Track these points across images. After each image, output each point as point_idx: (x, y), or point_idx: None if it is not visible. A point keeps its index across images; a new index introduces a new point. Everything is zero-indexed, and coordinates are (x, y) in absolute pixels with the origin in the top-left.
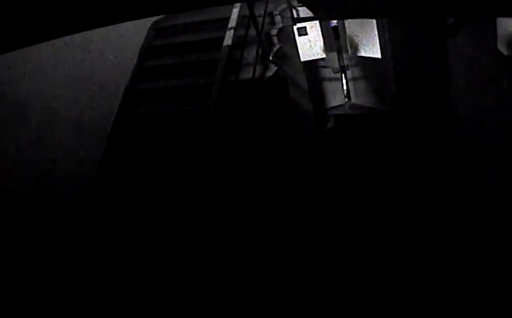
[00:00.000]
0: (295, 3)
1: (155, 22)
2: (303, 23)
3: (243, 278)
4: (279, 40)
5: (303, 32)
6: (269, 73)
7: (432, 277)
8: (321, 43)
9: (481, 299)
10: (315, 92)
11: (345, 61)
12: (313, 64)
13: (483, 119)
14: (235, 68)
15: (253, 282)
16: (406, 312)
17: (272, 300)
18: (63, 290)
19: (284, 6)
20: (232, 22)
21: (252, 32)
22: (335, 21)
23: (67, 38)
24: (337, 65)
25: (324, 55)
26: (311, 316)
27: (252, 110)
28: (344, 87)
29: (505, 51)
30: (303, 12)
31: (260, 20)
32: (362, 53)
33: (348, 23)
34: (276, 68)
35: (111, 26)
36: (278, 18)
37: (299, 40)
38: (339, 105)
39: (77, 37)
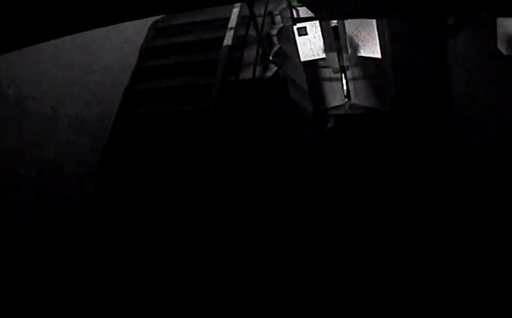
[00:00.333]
0: (295, 3)
1: (155, 22)
2: (303, 23)
3: (243, 278)
4: (279, 40)
5: (303, 32)
6: (269, 73)
7: (433, 277)
8: (321, 43)
9: (480, 299)
10: (315, 92)
11: (345, 61)
12: (313, 64)
13: (483, 119)
14: (235, 68)
15: (253, 282)
16: (406, 312)
17: (271, 300)
18: (63, 290)
19: (284, 6)
20: (232, 22)
21: (252, 32)
22: (335, 21)
23: (67, 38)
24: (337, 65)
25: (324, 55)
26: (311, 316)
27: (252, 110)
28: (344, 87)
29: (505, 51)
30: (303, 12)
31: (260, 20)
32: (362, 54)
33: (348, 23)
34: (276, 68)
35: (111, 26)
36: (278, 18)
37: (299, 40)
38: (339, 105)
39: (77, 37)
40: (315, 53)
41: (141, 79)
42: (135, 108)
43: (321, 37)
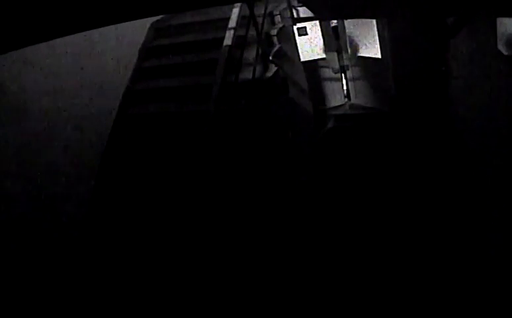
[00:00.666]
0: (295, 3)
1: (155, 22)
2: (303, 23)
3: (243, 278)
4: (279, 40)
5: (303, 32)
6: (269, 73)
7: (433, 277)
8: (321, 43)
9: (480, 300)
10: (315, 92)
11: (345, 61)
12: (313, 64)
13: (483, 119)
14: (235, 68)
15: (253, 282)
16: (406, 312)
17: (271, 300)
18: (63, 290)
19: (284, 6)
20: (232, 22)
21: (252, 32)
22: (335, 21)
23: (67, 38)
24: (337, 65)
25: (324, 55)
26: (311, 316)
27: (252, 110)
28: (344, 87)
29: (504, 51)
30: (303, 12)
31: (260, 20)
32: (362, 54)
33: (348, 23)
34: (276, 68)
35: (111, 26)
36: (278, 18)
37: (299, 40)
38: (339, 105)
39: (77, 37)
40: (315, 54)
41: (141, 79)
42: (135, 108)
43: (321, 37)
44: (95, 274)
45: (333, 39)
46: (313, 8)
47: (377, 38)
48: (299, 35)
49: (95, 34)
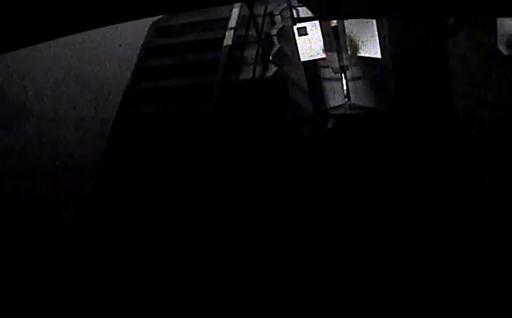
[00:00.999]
0: (295, 3)
1: (155, 22)
2: (303, 23)
3: (243, 278)
4: (279, 40)
5: (303, 32)
6: (269, 73)
7: (433, 277)
8: (321, 43)
9: (480, 300)
10: (315, 92)
11: (345, 61)
12: (313, 64)
13: (483, 119)
14: (235, 68)
15: (253, 282)
16: (406, 312)
17: (271, 300)
18: (63, 290)
19: (284, 6)
20: (232, 22)
21: (252, 32)
22: (335, 21)
23: (67, 38)
24: (337, 65)
25: (324, 55)
26: (310, 316)
27: (252, 110)
28: (344, 87)
29: (505, 51)
30: (303, 12)
31: (260, 20)
32: (362, 54)
33: (348, 23)
34: (276, 68)
35: (111, 26)
36: (278, 18)
37: (299, 40)
38: (339, 105)
39: (77, 37)
40: (315, 54)
41: (141, 79)
42: (135, 108)
43: (321, 37)
44: (96, 273)
45: (333, 39)
46: (313, 8)
47: (377, 38)
48: (299, 35)
49: (95, 34)
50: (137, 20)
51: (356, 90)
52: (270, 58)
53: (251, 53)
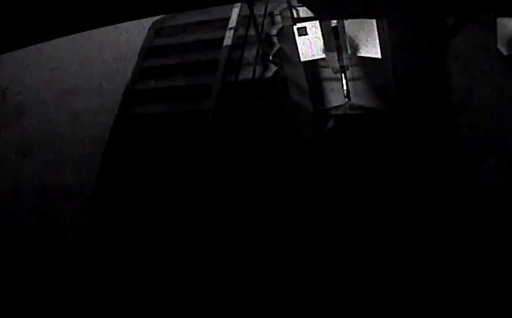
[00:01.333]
0: (295, 3)
1: (155, 22)
2: (303, 23)
3: (243, 279)
4: (279, 40)
5: (303, 32)
6: (269, 73)
7: (432, 277)
8: (321, 43)
9: (480, 300)
10: (315, 92)
11: (345, 61)
12: (313, 64)
13: (484, 118)
14: (235, 68)
15: (253, 282)
16: (406, 312)
17: (272, 300)
18: (63, 290)
19: (284, 6)
20: (232, 22)
21: (252, 32)
22: (335, 21)
23: (67, 38)
24: (337, 65)
25: (324, 56)
26: (310, 316)
27: (252, 110)
28: (344, 87)
29: (505, 51)
30: (303, 12)
31: (260, 20)
32: (362, 54)
33: (348, 23)
34: (276, 68)
35: (111, 26)
36: (278, 18)
37: (299, 40)
38: (339, 105)
39: (77, 37)
40: (315, 54)
41: (141, 79)
42: (135, 109)
43: (321, 37)
44: (96, 274)
45: (333, 39)
46: (313, 8)
47: (377, 38)
48: (299, 35)
49: (95, 33)
50: (137, 20)
51: (356, 90)
52: (270, 58)
53: (251, 53)
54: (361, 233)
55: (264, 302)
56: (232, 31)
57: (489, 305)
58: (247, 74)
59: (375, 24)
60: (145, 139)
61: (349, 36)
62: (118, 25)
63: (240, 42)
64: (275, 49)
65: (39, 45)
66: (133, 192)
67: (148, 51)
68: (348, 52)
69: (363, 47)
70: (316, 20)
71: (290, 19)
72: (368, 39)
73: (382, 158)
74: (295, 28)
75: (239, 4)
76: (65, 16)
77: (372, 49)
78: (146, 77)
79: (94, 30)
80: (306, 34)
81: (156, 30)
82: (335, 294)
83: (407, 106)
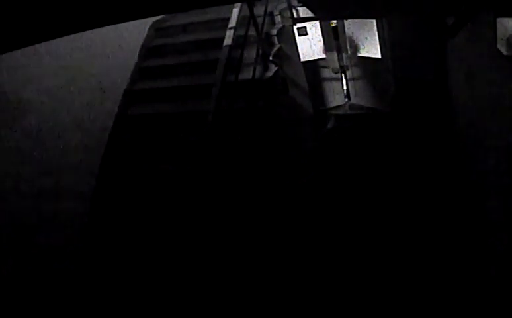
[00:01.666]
0: (295, 3)
1: (155, 22)
2: (303, 23)
3: (243, 279)
4: (279, 40)
5: (303, 32)
6: (269, 73)
7: (432, 278)
8: (321, 43)
9: (480, 300)
10: (315, 92)
11: (345, 61)
12: (313, 64)
13: (483, 119)
14: (235, 68)
15: (253, 283)
16: (405, 312)
17: (272, 300)
18: (63, 290)
19: (284, 6)
20: (232, 22)
21: (252, 32)
22: (335, 21)
23: (67, 38)
24: (337, 65)
25: (324, 56)
26: (311, 316)
27: (252, 110)
28: (344, 87)
29: (505, 51)
30: (303, 12)
31: (260, 20)
32: (362, 54)
33: (348, 23)
34: (276, 68)
35: (111, 26)
36: (278, 18)
37: (299, 40)
38: (339, 105)
39: (77, 37)
40: (315, 54)
41: (141, 79)
42: (135, 109)
43: (321, 37)
44: (96, 275)
45: (333, 39)
46: (313, 8)
47: (377, 38)
48: (299, 35)
49: (96, 33)
50: (137, 20)
51: (356, 90)
52: (270, 58)
53: (251, 53)
54: (361, 232)
55: (264, 302)
56: (232, 31)
57: (489, 305)
58: (247, 74)
59: (375, 24)
60: (145, 139)
61: (349, 36)
62: (118, 25)
63: (240, 42)
64: (275, 49)
65: (39, 45)
66: (134, 192)
67: (148, 51)
68: (348, 52)
69: (363, 47)
70: (316, 20)
71: (290, 19)
72: (368, 39)
73: (382, 158)
74: (295, 28)
75: (239, 4)
76: (65, 16)
77: (372, 49)
78: (146, 76)
79: (94, 30)
80: (306, 34)
81: (156, 30)
82: (335, 293)
83: (407, 106)
